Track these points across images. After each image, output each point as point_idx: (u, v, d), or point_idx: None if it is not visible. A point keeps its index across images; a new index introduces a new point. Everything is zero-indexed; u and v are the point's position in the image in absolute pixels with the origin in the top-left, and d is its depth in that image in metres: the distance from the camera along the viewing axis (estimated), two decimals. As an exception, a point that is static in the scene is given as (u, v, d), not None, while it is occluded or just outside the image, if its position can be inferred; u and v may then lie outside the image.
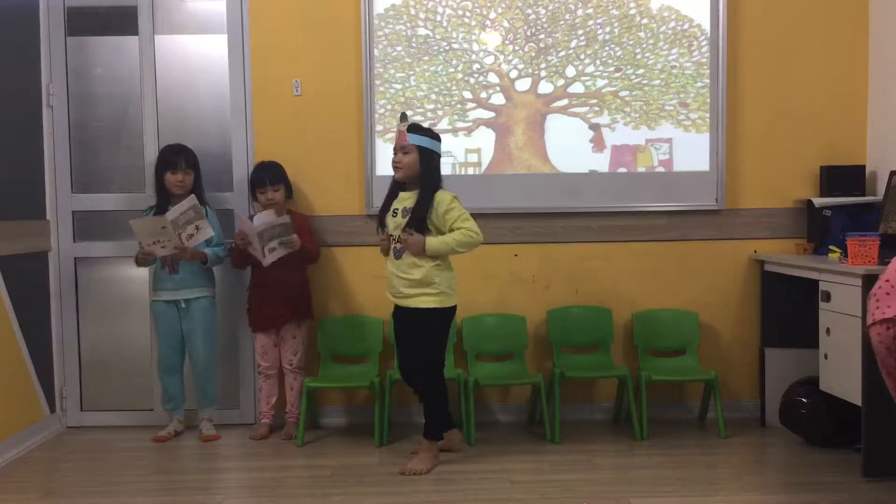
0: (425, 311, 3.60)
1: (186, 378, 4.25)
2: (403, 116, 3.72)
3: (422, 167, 3.61)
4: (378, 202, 4.31)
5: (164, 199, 4.13)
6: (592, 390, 4.47)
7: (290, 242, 3.98)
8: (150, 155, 4.31)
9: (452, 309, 3.70)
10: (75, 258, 4.39)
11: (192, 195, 3.99)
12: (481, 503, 3.27)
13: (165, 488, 3.53)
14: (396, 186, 3.73)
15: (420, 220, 3.57)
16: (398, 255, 3.63)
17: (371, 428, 4.06)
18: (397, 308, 3.74)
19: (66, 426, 4.41)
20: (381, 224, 3.73)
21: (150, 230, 3.90)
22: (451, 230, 3.58)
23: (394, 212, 3.68)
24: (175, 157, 4.12)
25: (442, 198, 3.59)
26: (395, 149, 3.68)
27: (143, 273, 4.33)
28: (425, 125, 3.95)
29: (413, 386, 3.85)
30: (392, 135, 4.33)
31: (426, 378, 3.69)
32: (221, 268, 4.31)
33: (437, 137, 3.70)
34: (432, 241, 3.55)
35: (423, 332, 3.64)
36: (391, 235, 3.67)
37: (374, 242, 4.32)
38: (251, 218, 3.97)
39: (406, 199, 3.66)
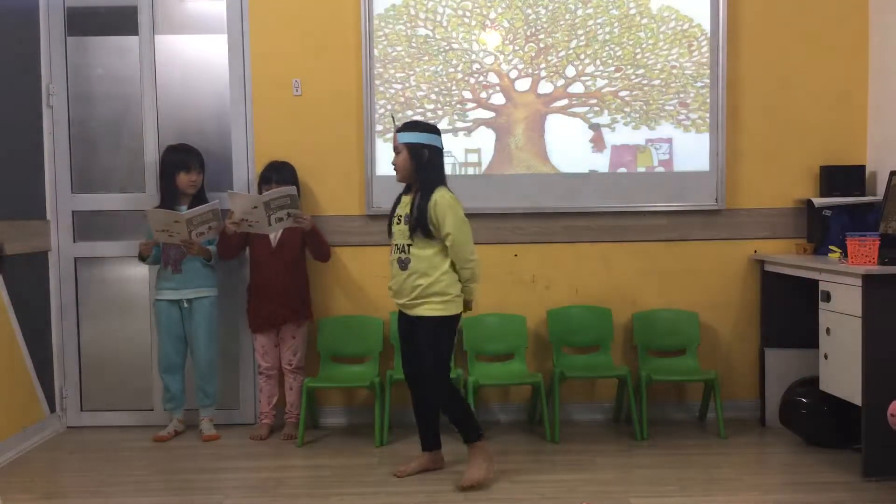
0: (434, 319, 3.41)
1: (187, 378, 4.25)
2: (393, 119, 3.65)
3: (413, 163, 3.42)
4: (378, 202, 4.33)
5: (172, 199, 4.14)
6: (592, 390, 4.47)
7: (298, 215, 3.96)
8: (150, 155, 4.32)
9: (458, 316, 3.51)
10: (75, 258, 4.39)
11: (217, 201, 4.02)
12: (481, 503, 3.27)
13: (165, 488, 3.53)
14: (404, 190, 3.54)
15: (422, 226, 3.37)
16: (403, 266, 3.42)
17: (371, 428, 4.06)
18: (402, 314, 3.53)
19: (66, 426, 4.41)
20: (389, 233, 3.53)
21: (164, 221, 3.92)
22: (444, 238, 3.38)
23: (398, 219, 3.48)
24: (188, 157, 4.15)
25: (440, 197, 3.38)
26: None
27: (143, 273, 4.34)
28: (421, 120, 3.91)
29: (416, 391, 3.63)
30: (392, 135, 4.34)
31: (435, 387, 3.46)
32: (223, 267, 4.31)
33: (431, 130, 3.50)
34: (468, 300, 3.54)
35: (427, 339, 3.43)
36: (396, 244, 3.47)
37: (373, 242, 4.35)
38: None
39: (406, 205, 3.46)
